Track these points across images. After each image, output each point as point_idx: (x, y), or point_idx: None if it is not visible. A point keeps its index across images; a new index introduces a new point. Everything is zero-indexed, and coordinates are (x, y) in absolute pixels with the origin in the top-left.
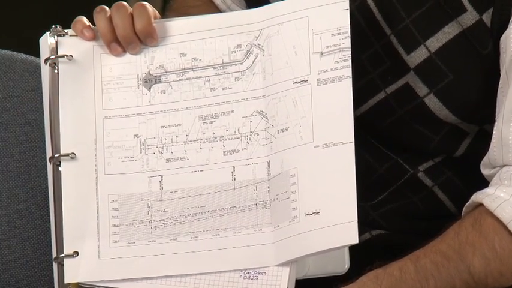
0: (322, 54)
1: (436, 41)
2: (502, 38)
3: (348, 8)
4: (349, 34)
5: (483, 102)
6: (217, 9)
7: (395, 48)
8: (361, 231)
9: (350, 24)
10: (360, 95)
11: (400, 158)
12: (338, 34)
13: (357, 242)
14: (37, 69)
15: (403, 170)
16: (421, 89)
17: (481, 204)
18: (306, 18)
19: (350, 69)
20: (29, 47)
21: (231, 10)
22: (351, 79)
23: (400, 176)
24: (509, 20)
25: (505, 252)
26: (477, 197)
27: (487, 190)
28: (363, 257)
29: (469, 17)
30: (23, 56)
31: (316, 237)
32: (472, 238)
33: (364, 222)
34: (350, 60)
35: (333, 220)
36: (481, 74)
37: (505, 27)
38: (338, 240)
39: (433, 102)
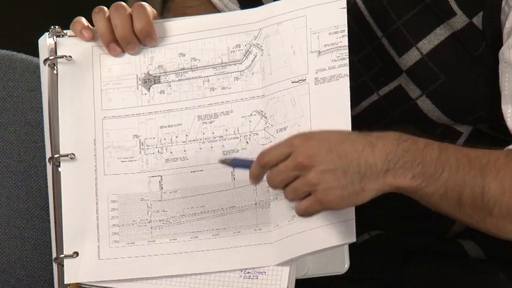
0: (320, 53)
1: (428, 43)
2: (503, 49)
3: (345, 6)
4: (346, 33)
5: (475, 104)
6: (215, 9)
7: (387, 51)
8: (360, 232)
9: None
10: (352, 97)
11: None
12: (335, 33)
13: (355, 240)
14: (37, 69)
15: None
16: (414, 90)
17: None
18: (304, 17)
19: (347, 67)
20: (29, 47)
21: (229, 9)
22: (348, 77)
23: None
24: (500, 24)
25: None
26: None
27: None
28: (363, 257)
29: (459, 20)
30: (23, 56)
31: (315, 236)
32: (500, 164)
33: (363, 223)
34: (347, 59)
35: (331, 219)
36: (473, 75)
37: (497, 30)
38: (337, 239)
39: (425, 104)
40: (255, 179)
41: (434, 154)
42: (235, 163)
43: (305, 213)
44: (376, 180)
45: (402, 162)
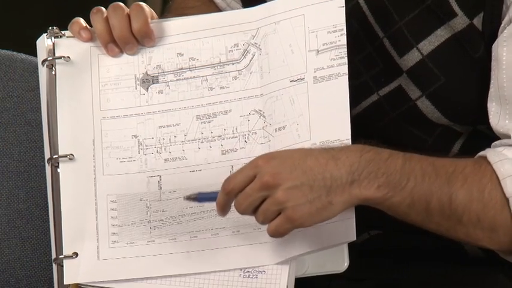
0: (318, 52)
1: (429, 44)
2: (494, 46)
3: (344, 5)
4: (345, 31)
5: (475, 105)
6: (217, 9)
7: (388, 51)
8: (359, 231)
9: None
10: (353, 97)
11: None
12: (334, 32)
13: (355, 239)
14: (37, 69)
15: None
16: (414, 91)
17: (486, 158)
18: (302, 16)
19: (346, 66)
20: (29, 47)
21: (231, 8)
22: (347, 76)
23: None
24: (500, 25)
25: (491, 201)
26: (485, 150)
27: (496, 148)
28: (362, 256)
29: (460, 21)
30: (23, 56)
31: (315, 235)
32: (468, 171)
33: (363, 222)
34: (346, 58)
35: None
36: (472, 77)
37: (496, 32)
38: (336, 238)
39: (425, 105)
40: (223, 208)
41: (398, 164)
42: (201, 197)
43: (276, 233)
44: (342, 192)
45: (366, 173)
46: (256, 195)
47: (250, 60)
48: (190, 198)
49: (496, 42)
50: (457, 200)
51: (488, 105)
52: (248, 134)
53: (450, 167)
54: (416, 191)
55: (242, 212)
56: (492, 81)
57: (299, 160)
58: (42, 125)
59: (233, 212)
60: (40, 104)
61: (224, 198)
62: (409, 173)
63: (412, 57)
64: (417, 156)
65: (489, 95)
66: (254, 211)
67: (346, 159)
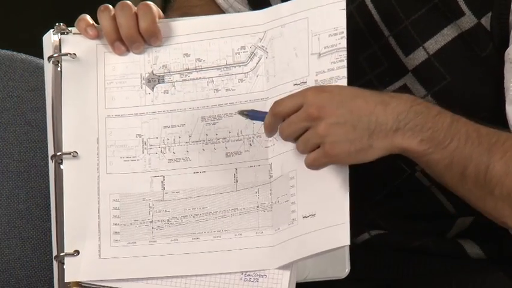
0: (320, 55)
1: (435, 43)
2: (509, 50)
3: (345, 8)
4: (345, 34)
5: (480, 105)
6: (219, 9)
7: (394, 50)
8: (360, 232)
9: (348, 24)
10: None
11: (397, 157)
12: (335, 34)
13: (349, 243)
14: (37, 69)
15: (401, 170)
16: (419, 90)
17: None
18: (306, 19)
19: (345, 69)
20: (29, 47)
21: (234, 9)
22: (346, 80)
23: (398, 176)
24: (508, 24)
25: None
26: None
27: None
28: (363, 256)
29: (467, 20)
30: (23, 56)
31: (312, 240)
32: (508, 145)
33: (363, 222)
34: (345, 61)
35: (327, 222)
36: (478, 76)
37: (505, 31)
38: (330, 242)
39: None
40: (269, 129)
41: (445, 122)
42: (252, 115)
43: (313, 166)
44: (384, 138)
45: (412, 124)
46: (299, 124)
47: (257, 63)
48: (243, 113)
49: (511, 46)
50: (493, 171)
51: (507, 108)
52: (253, 137)
53: (493, 137)
54: (457, 153)
55: (285, 138)
56: (511, 85)
57: (348, 98)
58: (42, 125)
59: (235, 216)
60: (40, 103)
61: (271, 119)
62: (454, 134)
63: (418, 56)
64: (464, 120)
65: (507, 99)
66: (296, 139)
67: (396, 107)
